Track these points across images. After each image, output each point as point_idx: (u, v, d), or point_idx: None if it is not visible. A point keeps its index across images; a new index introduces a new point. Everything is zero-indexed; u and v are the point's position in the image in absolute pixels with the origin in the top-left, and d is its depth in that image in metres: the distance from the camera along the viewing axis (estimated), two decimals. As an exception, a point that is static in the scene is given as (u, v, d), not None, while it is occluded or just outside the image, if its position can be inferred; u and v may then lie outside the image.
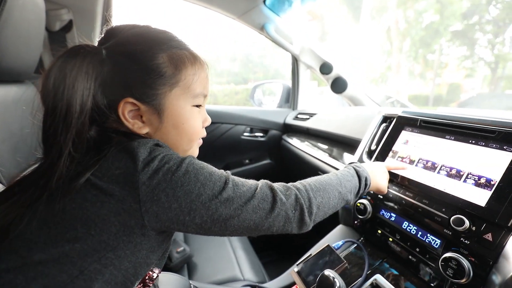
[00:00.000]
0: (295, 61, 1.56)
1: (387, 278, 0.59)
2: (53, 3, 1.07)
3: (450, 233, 0.52)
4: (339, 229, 0.83)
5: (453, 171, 0.56)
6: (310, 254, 0.70)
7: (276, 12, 1.33)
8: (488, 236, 0.47)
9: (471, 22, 7.24)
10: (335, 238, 0.78)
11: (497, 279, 0.44)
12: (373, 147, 0.80)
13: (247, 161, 1.67)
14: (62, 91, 0.35)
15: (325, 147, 1.19)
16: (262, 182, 0.43)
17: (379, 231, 0.69)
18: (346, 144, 1.08)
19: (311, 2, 1.34)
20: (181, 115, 0.44)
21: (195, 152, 0.50)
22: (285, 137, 1.55)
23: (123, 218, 0.34)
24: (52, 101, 0.35)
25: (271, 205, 0.40)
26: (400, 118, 0.75)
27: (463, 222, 0.49)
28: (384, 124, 0.82)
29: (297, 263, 0.70)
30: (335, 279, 0.53)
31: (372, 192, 0.67)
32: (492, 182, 0.50)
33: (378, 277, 0.59)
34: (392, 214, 0.65)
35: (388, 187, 0.67)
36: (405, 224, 0.61)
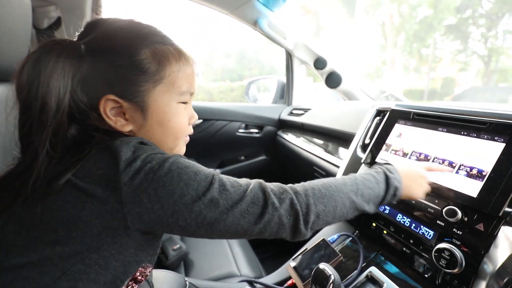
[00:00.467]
0: (289, 56, 1.56)
1: (381, 270, 0.60)
2: (41, 0, 1.05)
3: (443, 224, 0.52)
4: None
5: (446, 163, 0.57)
6: (306, 248, 0.70)
7: (269, 7, 1.32)
8: (480, 226, 0.47)
9: (464, 16, 7.29)
10: (330, 231, 0.78)
11: (488, 268, 0.45)
12: (367, 141, 0.80)
13: (242, 157, 1.66)
14: (36, 88, 0.34)
15: (320, 142, 1.19)
16: (254, 182, 0.39)
17: (374, 224, 0.69)
18: (341, 138, 1.08)
19: (304, -4, 1.33)
20: (166, 113, 0.42)
21: (182, 149, 0.48)
22: (280, 133, 1.55)
23: (106, 219, 0.33)
24: (26, 99, 0.34)
25: (261, 210, 0.37)
26: (393, 112, 0.75)
27: (456, 213, 0.50)
28: (377, 118, 0.82)
29: (293, 257, 0.70)
30: (330, 272, 0.53)
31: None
32: (483, 173, 0.50)
33: (373, 270, 0.60)
34: (386, 207, 0.65)
35: None
36: (399, 216, 0.62)
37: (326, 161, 1.01)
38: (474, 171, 0.52)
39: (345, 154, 0.86)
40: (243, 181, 0.40)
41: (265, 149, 1.66)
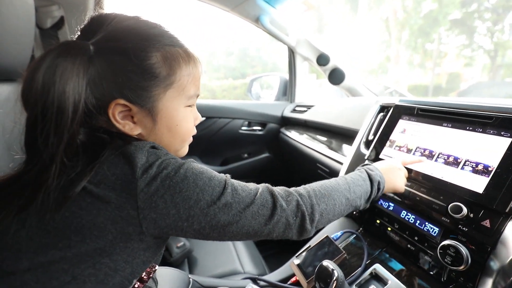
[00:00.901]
0: (292, 53, 1.55)
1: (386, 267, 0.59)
2: (44, 0, 1.05)
3: (448, 220, 0.52)
4: (337, 219, 0.83)
5: (451, 159, 0.56)
6: (309, 246, 0.70)
7: (270, 3, 1.31)
8: (486, 223, 0.46)
9: (470, 10, 7.16)
10: (334, 229, 0.78)
11: (495, 265, 0.44)
12: (370, 137, 0.79)
13: (245, 155, 1.66)
14: (52, 95, 0.32)
15: (324, 139, 1.19)
16: (262, 186, 0.42)
17: (378, 221, 0.68)
18: (344, 135, 1.07)
19: (306, -8, 1.31)
20: (175, 117, 0.42)
21: (185, 151, 0.48)
22: (283, 130, 1.54)
23: (121, 225, 0.33)
24: (42, 107, 0.32)
25: (271, 211, 0.39)
26: (397, 107, 0.74)
27: (461, 210, 0.49)
28: (381, 114, 0.81)
29: (296, 254, 0.70)
30: (333, 270, 0.53)
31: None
32: (489, 169, 0.49)
33: (378, 267, 0.59)
34: (391, 204, 0.65)
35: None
36: (404, 213, 0.61)
37: (329, 158, 1.01)
38: (480, 167, 0.51)
39: (348, 151, 0.86)
40: (252, 185, 0.42)
41: (268, 146, 1.66)
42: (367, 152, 0.76)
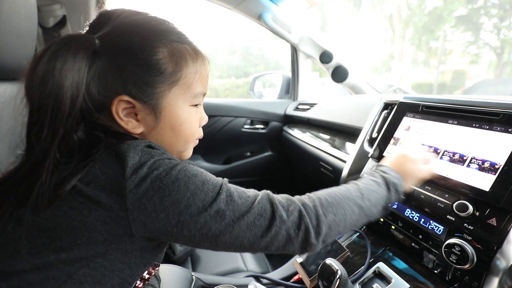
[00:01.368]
0: (294, 50, 1.54)
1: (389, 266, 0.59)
2: (46, -1, 1.06)
3: (453, 219, 0.51)
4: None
5: (456, 156, 0.55)
6: (312, 244, 0.70)
7: (273, 0, 1.30)
8: (492, 221, 0.46)
9: (475, 6, 7.06)
10: (337, 227, 0.77)
11: (501, 264, 0.43)
12: (374, 135, 0.78)
13: (248, 153, 1.66)
14: (50, 87, 0.32)
15: (327, 137, 1.18)
16: (262, 194, 0.38)
17: (382, 219, 0.68)
18: (347, 133, 1.06)
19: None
20: (179, 116, 0.40)
21: (189, 153, 0.46)
22: (286, 128, 1.54)
23: (110, 227, 0.32)
24: (38, 98, 0.32)
25: (268, 222, 0.36)
26: (401, 104, 0.73)
27: (467, 208, 0.48)
28: (385, 111, 0.80)
29: (299, 253, 0.70)
30: (337, 268, 0.53)
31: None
32: (496, 166, 0.48)
33: (381, 265, 0.59)
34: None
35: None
36: (408, 211, 0.61)
37: (332, 156, 1.00)
38: (487, 164, 0.50)
39: (352, 149, 0.85)
40: (251, 192, 0.38)
41: (271, 144, 1.66)
42: (370, 150, 0.75)
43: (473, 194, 0.49)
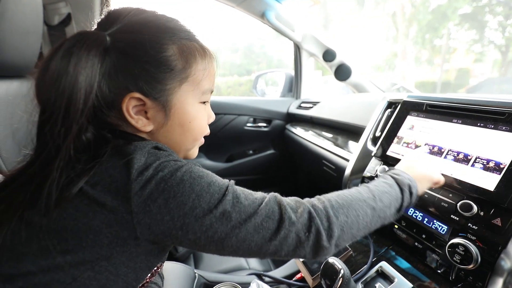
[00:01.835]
0: (297, 48, 1.53)
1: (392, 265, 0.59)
2: (51, -3, 1.06)
3: (457, 219, 0.51)
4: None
5: (461, 156, 0.55)
6: (315, 243, 0.70)
7: (276, -2, 1.30)
8: (497, 221, 0.45)
9: (480, 4, 6.98)
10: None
11: (506, 264, 0.43)
12: (377, 134, 0.78)
13: (251, 151, 1.66)
14: (64, 84, 0.32)
15: (330, 135, 1.18)
16: (270, 196, 0.37)
17: (385, 219, 0.68)
18: (350, 131, 1.06)
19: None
20: (188, 113, 0.41)
21: (195, 152, 0.46)
22: (288, 126, 1.53)
23: (116, 229, 0.31)
24: (52, 96, 0.32)
25: (277, 224, 0.34)
26: (405, 103, 0.73)
27: (471, 208, 0.48)
28: (389, 110, 0.80)
29: (302, 251, 0.70)
30: (340, 267, 0.53)
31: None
32: (501, 166, 0.48)
33: (384, 265, 0.59)
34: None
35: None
36: (411, 210, 0.60)
37: (335, 154, 1.00)
38: (491, 164, 0.50)
39: (355, 148, 0.85)
40: (258, 194, 0.37)
41: (273, 143, 1.66)
42: (374, 149, 0.75)
43: (478, 194, 0.49)
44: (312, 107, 1.39)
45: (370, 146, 0.79)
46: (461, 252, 0.48)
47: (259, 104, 1.59)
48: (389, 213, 0.42)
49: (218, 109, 1.50)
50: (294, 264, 0.76)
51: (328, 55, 1.43)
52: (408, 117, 0.70)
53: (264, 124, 1.61)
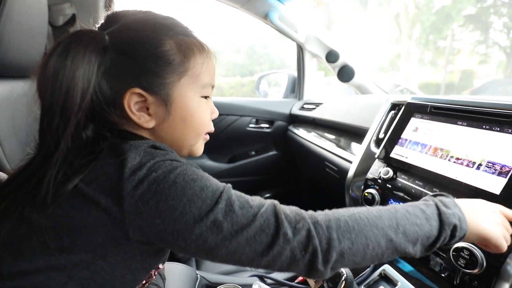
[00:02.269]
0: (300, 50, 1.53)
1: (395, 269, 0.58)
2: (56, -2, 1.07)
3: (462, 222, 0.50)
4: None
5: (465, 158, 0.54)
6: (317, 245, 0.70)
7: (280, -1, 1.30)
8: (503, 225, 0.45)
9: (485, 5, 6.94)
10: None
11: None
12: (381, 136, 0.78)
13: (253, 152, 1.66)
14: (61, 80, 0.32)
15: (332, 137, 1.17)
16: (268, 205, 0.34)
17: (388, 221, 0.67)
18: (353, 133, 1.05)
19: (316, -13, 1.30)
20: (190, 107, 0.41)
21: (200, 148, 0.46)
22: (291, 127, 1.53)
23: (109, 229, 0.31)
24: (50, 90, 0.32)
25: (271, 239, 0.32)
26: (409, 105, 0.72)
27: (476, 211, 0.47)
28: (392, 112, 0.79)
29: (304, 253, 0.69)
30: (342, 270, 0.52)
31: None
32: (507, 169, 0.48)
33: (387, 268, 0.58)
34: (401, 204, 0.63)
35: (397, 176, 0.63)
36: (415, 213, 0.60)
37: (338, 156, 0.99)
38: (497, 167, 0.49)
39: (358, 149, 0.84)
40: (256, 201, 0.34)
41: (275, 144, 1.65)
42: (377, 151, 0.74)
43: (483, 197, 0.48)
44: (314, 108, 1.38)
45: (373, 148, 0.78)
46: (466, 256, 0.47)
47: (262, 105, 1.59)
48: (413, 250, 0.35)
49: (221, 110, 1.49)
50: (296, 266, 0.76)
51: (331, 56, 1.43)
52: (412, 119, 0.69)
53: (267, 125, 1.61)
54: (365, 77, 1.44)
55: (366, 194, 0.70)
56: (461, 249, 0.48)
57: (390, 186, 0.66)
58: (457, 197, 0.52)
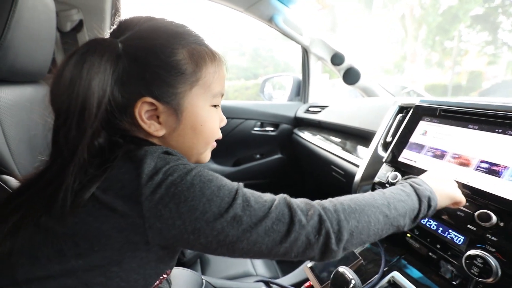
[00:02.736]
0: (305, 52, 1.53)
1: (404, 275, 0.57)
2: (64, 4, 1.09)
3: (475, 229, 0.49)
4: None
5: (474, 161, 0.53)
6: (324, 250, 0.68)
7: (284, 2, 1.30)
8: (518, 232, 0.43)
9: (493, 5, 6.83)
10: (350, 233, 0.76)
11: (528, 278, 0.41)
12: (388, 139, 0.76)
13: (258, 156, 1.66)
14: (78, 89, 0.32)
15: (338, 140, 1.16)
16: (279, 198, 0.37)
17: (396, 227, 0.66)
18: (360, 136, 1.04)
19: (321, -10, 1.29)
20: (200, 116, 0.41)
21: (207, 156, 0.47)
22: (296, 131, 1.52)
23: (126, 234, 0.32)
24: (66, 100, 0.33)
25: (287, 227, 0.34)
26: (417, 108, 0.71)
27: (490, 218, 0.46)
28: (400, 115, 0.78)
29: (311, 259, 0.68)
30: (351, 277, 0.51)
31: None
32: (521, 174, 0.46)
33: (396, 275, 0.57)
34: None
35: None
36: (424, 219, 0.58)
37: (344, 159, 0.98)
38: (510, 172, 0.47)
39: (364, 153, 0.83)
40: (268, 196, 0.37)
41: (281, 147, 1.65)
42: (385, 155, 0.73)
43: (497, 203, 0.47)
44: (320, 111, 1.37)
45: (380, 151, 0.77)
46: (479, 264, 0.45)
47: (267, 108, 1.58)
48: (403, 222, 0.41)
49: (226, 113, 1.49)
50: (303, 271, 0.75)
51: (337, 59, 1.42)
52: (421, 122, 0.68)
53: (272, 128, 1.60)
54: (371, 79, 1.42)
55: (374, 198, 0.68)
56: (474, 257, 0.46)
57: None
58: (470, 204, 0.51)
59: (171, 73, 0.38)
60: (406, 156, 0.67)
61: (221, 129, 0.48)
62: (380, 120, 0.83)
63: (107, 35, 0.41)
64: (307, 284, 0.69)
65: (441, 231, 0.55)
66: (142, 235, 0.32)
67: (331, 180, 1.11)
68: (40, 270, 0.32)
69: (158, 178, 0.32)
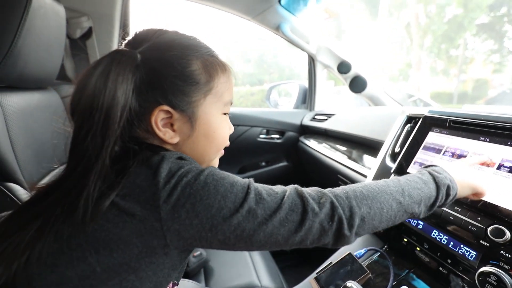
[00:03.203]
0: (312, 60, 1.53)
1: (415, 291, 0.55)
2: (74, 11, 1.11)
3: (488, 245, 0.47)
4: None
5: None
6: (331, 262, 0.67)
7: (291, 11, 1.31)
8: (534, 250, 0.42)
9: (498, 14, 6.82)
10: (357, 245, 0.74)
11: (545, 298, 0.40)
12: (397, 150, 0.75)
13: (263, 163, 1.65)
14: (103, 99, 0.34)
15: (344, 149, 1.15)
16: (290, 189, 0.38)
17: (405, 239, 0.64)
18: (366, 145, 1.03)
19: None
20: (213, 123, 0.43)
21: (216, 163, 0.48)
22: (302, 138, 1.52)
23: (145, 238, 0.32)
24: (90, 111, 0.34)
25: (301, 216, 0.35)
26: (426, 118, 0.70)
27: (503, 233, 0.45)
28: (408, 125, 0.77)
29: (317, 271, 0.67)
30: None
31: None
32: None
33: (405, 289, 0.55)
34: (420, 222, 0.61)
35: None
36: (435, 232, 0.57)
37: (351, 169, 0.97)
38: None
39: (372, 163, 0.82)
40: (279, 188, 0.38)
41: (286, 155, 1.64)
42: (393, 165, 0.72)
43: (511, 218, 0.46)
44: (326, 119, 1.37)
45: (389, 162, 0.76)
46: (493, 282, 0.44)
47: (272, 115, 1.58)
48: (418, 209, 0.41)
49: (232, 121, 1.50)
50: (309, 284, 0.73)
51: (343, 67, 1.42)
52: (430, 133, 0.67)
53: (277, 136, 1.60)
54: (377, 87, 1.42)
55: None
56: (488, 274, 0.45)
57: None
58: (481, 218, 0.49)
59: (187, 82, 0.40)
60: (416, 168, 0.66)
61: (227, 136, 0.49)
62: (388, 130, 0.82)
63: (116, 43, 0.43)
64: (313, 296, 0.67)
65: (452, 246, 0.53)
66: (160, 239, 0.33)
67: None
68: (56, 278, 0.31)
69: (174, 181, 0.33)
